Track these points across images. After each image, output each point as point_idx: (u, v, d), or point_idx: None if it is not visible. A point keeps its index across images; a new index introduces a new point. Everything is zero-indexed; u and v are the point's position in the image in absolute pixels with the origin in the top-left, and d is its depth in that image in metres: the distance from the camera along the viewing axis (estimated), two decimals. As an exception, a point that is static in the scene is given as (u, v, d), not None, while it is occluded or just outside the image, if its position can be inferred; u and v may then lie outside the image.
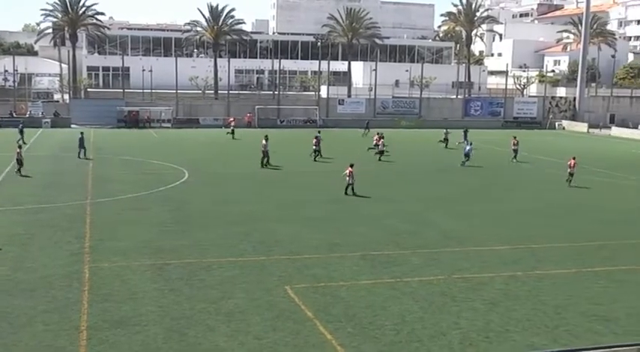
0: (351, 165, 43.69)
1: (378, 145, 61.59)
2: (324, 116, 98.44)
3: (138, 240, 30.61)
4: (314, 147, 60.37)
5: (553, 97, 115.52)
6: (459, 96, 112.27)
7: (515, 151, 61.32)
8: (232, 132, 79.33)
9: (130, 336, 19.92)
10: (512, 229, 35.41)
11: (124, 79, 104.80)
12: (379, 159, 59.66)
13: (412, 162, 61.20)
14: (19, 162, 48.34)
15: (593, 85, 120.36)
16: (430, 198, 43.70)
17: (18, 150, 49.43)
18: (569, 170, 49.76)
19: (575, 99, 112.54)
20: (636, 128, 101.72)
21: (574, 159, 49.66)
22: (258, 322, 21.23)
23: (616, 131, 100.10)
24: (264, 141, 55.72)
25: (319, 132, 66.62)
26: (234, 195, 42.73)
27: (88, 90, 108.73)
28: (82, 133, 59.30)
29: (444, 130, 74.79)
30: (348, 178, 43.32)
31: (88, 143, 60.97)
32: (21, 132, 68.19)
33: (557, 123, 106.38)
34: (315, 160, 59.20)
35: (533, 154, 66.66)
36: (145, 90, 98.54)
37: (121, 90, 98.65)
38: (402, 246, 31.01)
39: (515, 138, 62.74)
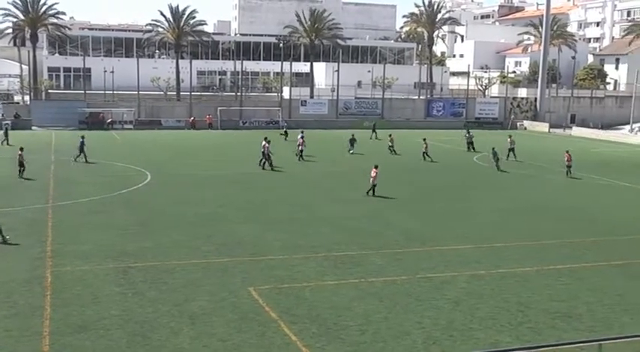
0: (376, 166, 43.97)
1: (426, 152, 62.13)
2: (287, 117, 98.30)
3: (101, 244, 30.38)
4: (299, 147, 61.02)
5: (514, 98, 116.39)
6: (421, 97, 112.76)
7: (512, 150, 62.89)
8: (285, 134, 79.04)
9: (93, 341, 19.79)
10: (475, 228, 35.65)
11: (85, 80, 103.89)
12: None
13: (375, 162, 61.21)
14: (21, 164, 47.90)
15: (554, 85, 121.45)
16: (393, 198, 43.82)
17: (20, 152, 48.64)
18: (566, 163, 53.57)
19: (536, 99, 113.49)
20: (597, 128, 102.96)
21: (567, 152, 53.49)
22: (222, 324, 21.20)
23: (577, 131, 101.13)
24: (265, 144, 55.36)
25: (302, 131, 67.42)
26: (197, 197, 42.58)
27: (49, 91, 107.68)
28: (82, 137, 58.20)
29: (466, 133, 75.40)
30: (372, 179, 43.49)
31: (48, 146, 60.34)
32: (6, 133, 67.69)
33: (518, 124, 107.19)
34: (300, 160, 59.83)
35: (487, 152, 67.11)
36: (106, 92, 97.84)
37: (83, 92, 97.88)
38: (366, 246, 31.11)
39: (510, 136, 64.32)
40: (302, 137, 62.76)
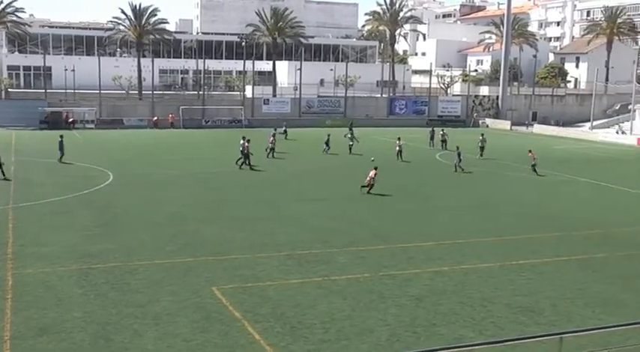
0: (376, 168, 44.93)
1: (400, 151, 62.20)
2: (250, 116, 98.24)
3: (63, 245, 30.10)
4: (270, 145, 61.39)
5: (476, 96, 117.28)
6: (383, 95, 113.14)
7: (482, 148, 63.99)
8: (285, 133, 79.35)
9: (55, 344, 19.60)
10: (438, 226, 35.89)
11: (45, 79, 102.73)
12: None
13: (337, 160, 61.42)
14: None
15: (516, 84, 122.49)
16: (356, 196, 43.93)
17: None
18: (532, 162, 54.55)
19: (498, 97, 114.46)
20: (558, 125, 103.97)
21: (530, 152, 55.08)
22: (186, 324, 21.12)
23: (538, 128, 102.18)
24: (244, 143, 55.03)
25: (275, 129, 68.39)
26: (159, 197, 42.37)
27: (9, 90, 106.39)
28: (61, 136, 57.63)
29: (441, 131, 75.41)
30: (370, 179, 44.20)
31: (8, 147, 59.70)
32: None
33: (480, 121, 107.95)
34: (269, 157, 59.97)
35: (451, 151, 67.45)
36: (67, 91, 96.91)
37: (43, 91, 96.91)
38: (329, 244, 31.16)
39: (482, 135, 65.33)
40: (273, 135, 63.22)
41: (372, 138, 76.72)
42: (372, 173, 44.45)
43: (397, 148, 61.72)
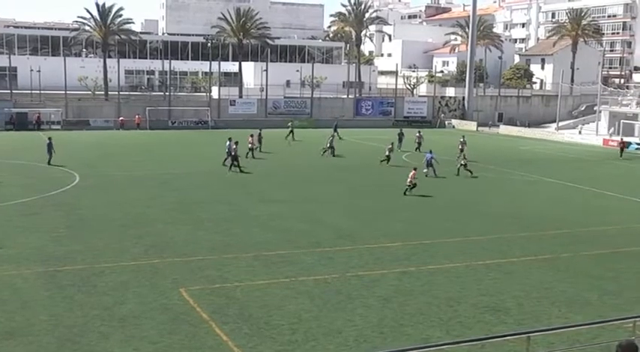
0: (415, 169, 46.14)
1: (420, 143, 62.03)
2: (216, 117, 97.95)
3: (29, 247, 29.83)
4: (250, 145, 61.52)
5: (443, 97, 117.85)
6: (349, 96, 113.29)
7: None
8: (292, 133, 79.51)
9: (22, 347, 19.43)
10: (404, 226, 36.02)
11: (11, 80, 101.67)
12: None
13: (303, 161, 61.48)
14: None
15: (481, 85, 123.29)
16: (322, 197, 44.04)
17: None
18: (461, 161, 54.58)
19: (464, 98, 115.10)
20: (524, 126, 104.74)
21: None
22: (153, 326, 21.04)
23: (504, 129, 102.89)
24: (231, 144, 54.88)
25: (260, 130, 68.54)
26: (126, 198, 42.11)
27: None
28: (49, 138, 56.79)
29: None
30: (411, 180, 44.92)
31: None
32: None
33: (447, 122, 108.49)
34: (247, 157, 59.62)
35: (424, 152, 67.78)
36: (33, 91, 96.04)
37: (9, 92, 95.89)
38: (296, 245, 31.19)
39: (463, 137, 62.52)
40: (252, 136, 63.12)
41: (337, 139, 76.63)
42: (411, 173, 45.32)
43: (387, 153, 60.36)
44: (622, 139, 76.27)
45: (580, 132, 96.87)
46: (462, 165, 54.19)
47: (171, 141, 76.62)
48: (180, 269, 27.03)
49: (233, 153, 53.88)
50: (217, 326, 21.11)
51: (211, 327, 21.04)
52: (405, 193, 44.69)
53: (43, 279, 25.46)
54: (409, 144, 70.52)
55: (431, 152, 54.72)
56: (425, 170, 52.87)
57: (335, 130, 79.65)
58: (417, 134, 72.68)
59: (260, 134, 66.52)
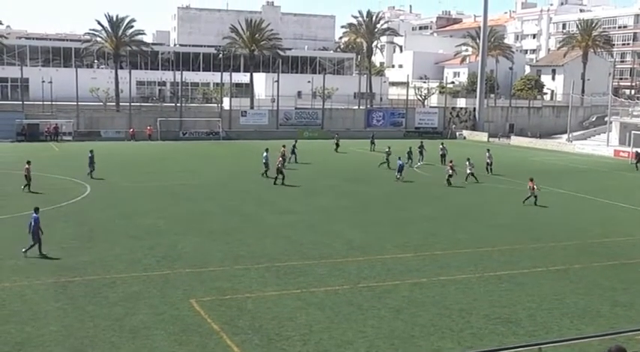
0: (531, 179, 47.00)
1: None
2: (227, 128, 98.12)
3: (39, 258, 29.92)
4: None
5: (453, 108, 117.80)
6: (360, 107, 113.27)
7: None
8: (337, 145, 79.90)
9: (32, 357, 19.50)
10: (416, 237, 35.93)
11: (22, 91, 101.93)
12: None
13: (314, 172, 61.44)
14: (27, 178, 47.36)
15: (492, 96, 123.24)
16: (333, 208, 44.01)
17: (27, 166, 47.75)
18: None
19: (475, 109, 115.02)
20: (535, 137, 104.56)
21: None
22: (164, 337, 21.04)
23: (515, 140, 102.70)
24: (268, 156, 56.41)
25: (296, 141, 70.14)
26: (137, 209, 42.19)
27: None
28: (91, 151, 56.44)
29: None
30: (532, 190, 46.12)
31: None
32: None
33: (458, 133, 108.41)
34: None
35: (434, 163, 67.84)
36: (44, 102, 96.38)
37: (20, 103, 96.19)
38: (307, 256, 31.16)
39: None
40: (284, 146, 63.50)
41: (349, 150, 76.76)
42: (530, 184, 46.52)
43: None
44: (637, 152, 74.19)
45: (569, 141, 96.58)
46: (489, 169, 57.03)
47: (183, 152, 76.74)
48: (191, 280, 27.03)
49: (278, 166, 53.61)
50: (228, 337, 21.10)
51: (222, 338, 21.02)
52: (523, 202, 46.27)
53: (54, 290, 25.50)
54: (429, 156, 70.02)
55: (469, 160, 56.87)
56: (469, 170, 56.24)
57: (372, 142, 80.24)
58: (441, 146, 71.02)
59: (294, 145, 67.43)
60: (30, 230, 30.57)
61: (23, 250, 30.24)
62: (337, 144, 79.85)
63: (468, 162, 56.44)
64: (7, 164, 62.00)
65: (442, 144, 72.89)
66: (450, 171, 51.00)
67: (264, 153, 56.73)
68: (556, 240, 35.92)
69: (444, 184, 53.43)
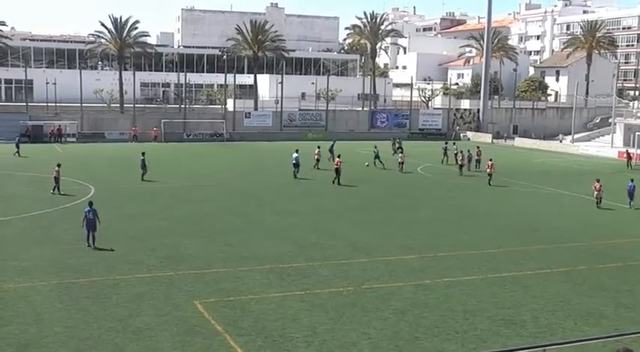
0: (598, 180, 47.03)
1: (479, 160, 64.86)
2: (231, 129, 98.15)
3: (43, 259, 29.91)
4: (316, 156, 63.13)
5: (457, 109, 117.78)
6: (364, 108, 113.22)
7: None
8: (400, 148, 78.26)
9: (35, 358, 19.50)
10: (419, 238, 35.90)
11: (27, 92, 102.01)
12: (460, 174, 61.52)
13: (317, 174, 61.37)
14: (56, 181, 47.22)
15: (496, 97, 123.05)
16: (336, 209, 43.98)
17: (57, 168, 47.67)
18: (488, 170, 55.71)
19: (479, 110, 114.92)
20: (539, 138, 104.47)
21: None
22: (167, 338, 21.04)
23: (519, 141, 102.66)
24: (299, 156, 57.62)
25: (334, 141, 71.24)
26: (141, 210, 42.24)
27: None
28: (143, 154, 56.45)
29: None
30: (597, 192, 46.21)
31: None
32: (17, 145, 70.57)
33: (462, 134, 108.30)
34: (318, 168, 62.01)
35: (437, 164, 67.84)
36: (49, 104, 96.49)
37: (25, 104, 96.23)
38: (311, 257, 31.14)
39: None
40: (319, 147, 64.62)
41: (354, 151, 76.69)
42: (596, 185, 46.58)
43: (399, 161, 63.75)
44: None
45: (560, 141, 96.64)
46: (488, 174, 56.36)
47: (186, 153, 76.74)
48: (194, 281, 27.03)
49: (336, 166, 54.32)
50: (232, 338, 21.09)
51: (226, 339, 21.02)
52: (597, 206, 46.21)
53: (58, 291, 25.52)
54: (433, 157, 70.26)
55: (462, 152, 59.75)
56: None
57: (399, 147, 79.86)
58: (477, 149, 69.32)
59: (332, 146, 68.18)
60: (84, 224, 32.28)
61: (87, 245, 31.83)
62: (400, 148, 76.61)
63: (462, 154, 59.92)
64: (11, 166, 62.03)
65: (478, 147, 71.19)
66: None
67: (294, 154, 57.40)
68: (560, 241, 35.86)
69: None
